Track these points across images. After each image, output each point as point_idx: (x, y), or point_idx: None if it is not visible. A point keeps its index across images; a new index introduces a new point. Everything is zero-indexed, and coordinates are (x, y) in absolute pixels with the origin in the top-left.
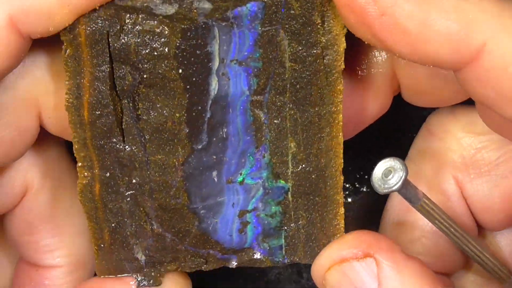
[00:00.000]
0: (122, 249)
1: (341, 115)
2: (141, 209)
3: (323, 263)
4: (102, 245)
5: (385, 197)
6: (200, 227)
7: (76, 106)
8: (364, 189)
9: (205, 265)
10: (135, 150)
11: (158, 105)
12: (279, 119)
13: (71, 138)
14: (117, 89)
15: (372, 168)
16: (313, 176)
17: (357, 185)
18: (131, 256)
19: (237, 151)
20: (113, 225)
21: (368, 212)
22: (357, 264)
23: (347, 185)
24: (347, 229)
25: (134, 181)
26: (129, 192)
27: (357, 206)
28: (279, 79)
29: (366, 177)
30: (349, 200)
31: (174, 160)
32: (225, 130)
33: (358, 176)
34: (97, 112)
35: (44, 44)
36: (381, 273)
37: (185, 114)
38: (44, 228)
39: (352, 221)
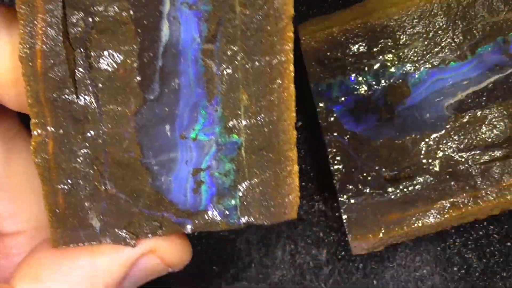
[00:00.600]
0: (77, 214)
1: (292, 65)
2: (95, 168)
3: None
4: (56, 211)
5: None
6: (154, 185)
7: (29, 56)
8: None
9: (160, 230)
10: (88, 102)
11: (110, 52)
12: (231, 69)
13: (22, 77)
14: (70, 37)
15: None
16: (265, 130)
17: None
18: (86, 223)
19: (189, 104)
20: (67, 187)
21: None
22: None
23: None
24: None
25: (87, 135)
26: (82, 151)
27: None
28: (230, 25)
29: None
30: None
31: (127, 111)
32: (177, 81)
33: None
34: (50, 62)
35: (1, 20)
36: None
37: (137, 61)
38: (0, 195)
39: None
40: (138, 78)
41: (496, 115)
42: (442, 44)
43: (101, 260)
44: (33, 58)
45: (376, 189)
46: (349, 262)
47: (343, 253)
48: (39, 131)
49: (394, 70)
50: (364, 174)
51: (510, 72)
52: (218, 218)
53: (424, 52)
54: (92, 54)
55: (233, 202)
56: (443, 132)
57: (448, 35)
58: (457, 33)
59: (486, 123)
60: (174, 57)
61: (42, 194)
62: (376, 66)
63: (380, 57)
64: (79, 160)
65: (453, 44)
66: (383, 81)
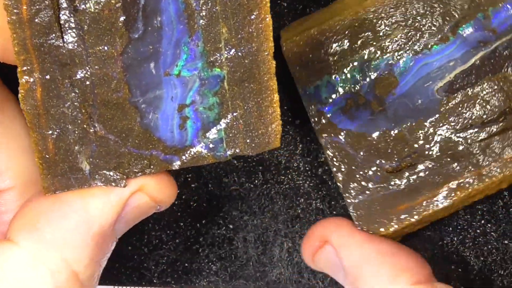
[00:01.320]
0: (67, 158)
1: None
2: (84, 111)
3: (307, 257)
4: (46, 156)
5: None
6: (142, 123)
7: (14, 3)
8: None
9: (149, 169)
10: (74, 45)
11: None
12: (210, 4)
13: (14, 60)
14: None
15: None
16: (246, 61)
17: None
18: (76, 167)
19: (171, 41)
20: (56, 132)
21: None
22: (322, 252)
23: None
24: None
25: (75, 77)
26: (71, 95)
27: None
28: None
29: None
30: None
31: (113, 51)
32: (159, 18)
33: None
34: (35, 7)
35: None
36: (338, 252)
37: (120, 1)
38: None
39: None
40: (123, 17)
41: (487, 90)
42: (422, 30)
43: (93, 203)
44: (18, 5)
45: (380, 183)
46: None
47: None
48: (26, 78)
49: (378, 62)
50: (366, 170)
51: (495, 46)
52: (205, 151)
53: (406, 40)
54: None
55: (218, 135)
56: (437, 115)
57: (427, 19)
58: (435, 17)
59: (478, 100)
60: None
61: (31, 142)
62: (360, 61)
63: (363, 51)
64: (67, 105)
65: (433, 28)
66: (369, 74)
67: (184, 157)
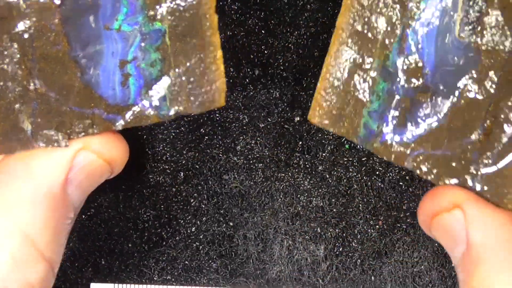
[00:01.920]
0: (8, 118)
1: None
2: (23, 66)
3: (424, 218)
4: None
5: None
6: (83, 79)
7: None
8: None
9: (91, 129)
10: None
11: None
12: None
13: None
14: None
15: None
16: (187, 15)
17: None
18: (17, 126)
19: None
20: None
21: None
22: (447, 216)
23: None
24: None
25: (14, 31)
26: (10, 50)
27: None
28: None
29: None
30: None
31: (50, 2)
32: None
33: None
34: None
35: None
36: (468, 222)
37: None
38: None
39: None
40: None
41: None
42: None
43: (36, 164)
44: None
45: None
46: (347, 258)
47: (340, 249)
48: None
49: (390, 60)
50: (466, 155)
51: None
52: (148, 110)
53: (392, 26)
54: None
55: (161, 92)
56: (479, 56)
57: None
58: None
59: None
60: None
61: None
62: (378, 72)
63: (374, 66)
64: (6, 61)
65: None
66: (392, 76)
67: (127, 116)
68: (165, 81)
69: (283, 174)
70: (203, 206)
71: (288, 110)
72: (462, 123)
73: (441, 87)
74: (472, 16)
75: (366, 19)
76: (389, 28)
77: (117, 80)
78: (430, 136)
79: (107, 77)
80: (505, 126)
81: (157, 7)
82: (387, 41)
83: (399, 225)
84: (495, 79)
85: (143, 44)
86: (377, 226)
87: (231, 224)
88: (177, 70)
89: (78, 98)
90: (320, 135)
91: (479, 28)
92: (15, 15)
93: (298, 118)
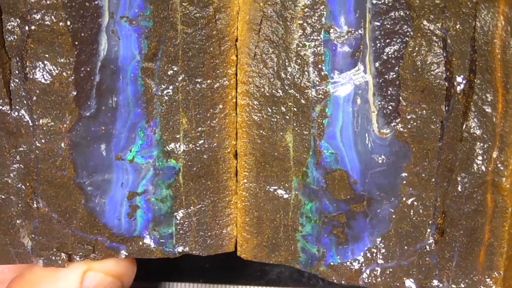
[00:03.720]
0: (8, 231)
1: (234, 91)
2: (28, 184)
3: None
4: None
5: None
6: (87, 206)
7: None
8: None
9: (93, 254)
10: (21, 114)
11: (46, 63)
12: (171, 90)
13: None
14: (5, 45)
15: None
16: (205, 157)
17: None
18: (17, 241)
19: (126, 124)
20: None
21: None
22: None
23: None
24: None
25: (20, 149)
26: (15, 165)
27: None
28: (171, 44)
29: None
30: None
31: (61, 126)
32: (115, 99)
33: None
34: None
35: None
36: None
37: (73, 75)
38: None
39: None
40: (74, 92)
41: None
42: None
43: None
44: None
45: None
46: None
47: None
48: None
49: (309, 178)
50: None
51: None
52: (153, 245)
53: (311, 131)
54: (28, 64)
55: (169, 229)
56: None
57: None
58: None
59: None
60: (112, 73)
61: None
62: (300, 203)
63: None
64: (11, 175)
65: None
66: (313, 196)
67: (131, 248)
68: (174, 219)
69: None
70: None
71: None
72: (411, 226)
73: (376, 192)
74: (388, 111)
75: (270, 140)
76: (298, 144)
77: (124, 211)
78: (379, 248)
79: (114, 207)
80: (456, 221)
81: (174, 144)
82: (300, 158)
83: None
84: (434, 169)
85: (155, 179)
86: None
87: None
88: (188, 209)
89: (82, 223)
90: None
91: (399, 119)
92: (23, 133)
93: None
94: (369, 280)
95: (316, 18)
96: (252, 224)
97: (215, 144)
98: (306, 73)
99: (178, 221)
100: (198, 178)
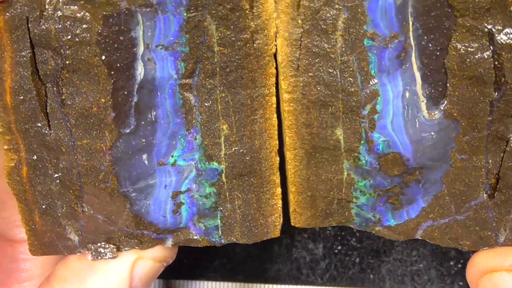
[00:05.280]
0: (54, 229)
1: (274, 98)
2: (71, 191)
3: (477, 270)
4: (33, 227)
5: None
6: (132, 210)
7: None
8: None
9: (140, 245)
10: (61, 135)
11: (82, 90)
12: (210, 101)
13: None
14: (40, 73)
15: None
16: (247, 158)
17: None
18: (64, 237)
19: (167, 134)
20: (43, 207)
21: None
22: (507, 276)
23: None
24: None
25: (61, 165)
26: (57, 175)
27: None
28: (208, 62)
29: None
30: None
31: (102, 145)
32: (154, 113)
33: None
34: (20, 97)
35: None
36: None
37: (111, 99)
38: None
39: None
40: (113, 114)
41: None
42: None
43: (99, 285)
44: (2, 93)
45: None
46: (346, 257)
47: (339, 247)
48: (12, 156)
49: (362, 160)
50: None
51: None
52: (199, 235)
53: (361, 124)
54: (64, 91)
55: (214, 222)
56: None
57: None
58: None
59: None
60: (149, 92)
61: (19, 210)
62: (352, 172)
63: (346, 170)
64: (55, 183)
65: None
66: (367, 176)
67: (177, 238)
68: (219, 213)
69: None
70: None
71: None
72: (464, 186)
73: (428, 163)
74: (437, 96)
75: (320, 135)
76: (349, 136)
77: (169, 209)
78: (433, 206)
79: (158, 207)
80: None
81: (216, 149)
82: (352, 146)
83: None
84: (484, 138)
85: (198, 179)
86: None
87: None
88: (232, 204)
89: (128, 222)
90: None
91: (447, 101)
92: (64, 151)
93: None
94: (426, 234)
95: (357, 27)
96: (306, 202)
97: (257, 146)
98: (353, 78)
99: (223, 215)
100: (241, 176)
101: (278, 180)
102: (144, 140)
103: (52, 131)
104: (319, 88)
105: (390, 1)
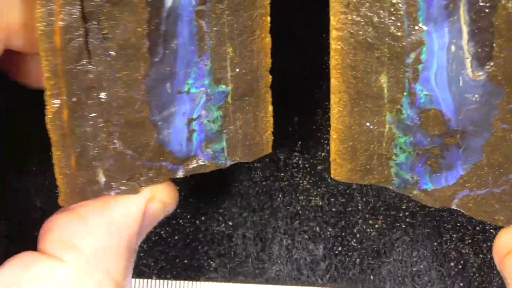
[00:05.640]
0: (86, 173)
1: (268, 17)
2: (105, 129)
3: (502, 248)
4: (67, 172)
5: None
6: (158, 139)
7: (47, 33)
8: None
9: (157, 178)
10: (101, 70)
11: (122, 22)
12: (218, 26)
13: (40, 53)
14: (84, 11)
15: None
16: (248, 77)
17: None
18: (93, 179)
19: (184, 62)
20: (78, 150)
21: None
22: None
23: None
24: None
25: (102, 100)
26: (93, 115)
27: None
28: None
29: None
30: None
31: (137, 75)
32: (175, 42)
33: None
34: (68, 36)
35: None
36: None
37: (146, 28)
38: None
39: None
40: (147, 44)
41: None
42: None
43: (117, 213)
44: (51, 34)
45: None
46: (346, 257)
47: (340, 248)
48: (54, 101)
49: (404, 114)
50: None
51: None
52: (207, 161)
53: (406, 74)
54: (106, 25)
55: (220, 145)
56: (495, 89)
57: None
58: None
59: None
60: (174, 20)
61: (54, 159)
62: (392, 129)
63: (382, 126)
64: (90, 123)
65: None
66: (409, 129)
67: (187, 167)
68: (224, 135)
69: (282, 174)
70: (202, 205)
71: (286, 110)
72: (503, 158)
73: (470, 127)
74: (483, 57)
75: (364, 80)
76: (393, 85)
77: (184, 137)
78: (471, 176)
79: (177, 135)
80: None
81: (223, 71)
82: (395, 97)
83: (398, 224)
84: None
85: (207, 104)
86: (376, 226)
87: (230, 223)
88: (235, 125)
89: (151, 154)
90: (319, 134)
91: (492, 63)
92: (105, 86)
93: (297, 118)
94: (462, 204)
95: None
96: (346, 152)
97: (255, 65)
98: (400, 22)
99: (228, 136)
100: (243, 96)
101: (270, 98)
102: (168, 69)
103: (94, 67)
104: (367, 29)
105: None
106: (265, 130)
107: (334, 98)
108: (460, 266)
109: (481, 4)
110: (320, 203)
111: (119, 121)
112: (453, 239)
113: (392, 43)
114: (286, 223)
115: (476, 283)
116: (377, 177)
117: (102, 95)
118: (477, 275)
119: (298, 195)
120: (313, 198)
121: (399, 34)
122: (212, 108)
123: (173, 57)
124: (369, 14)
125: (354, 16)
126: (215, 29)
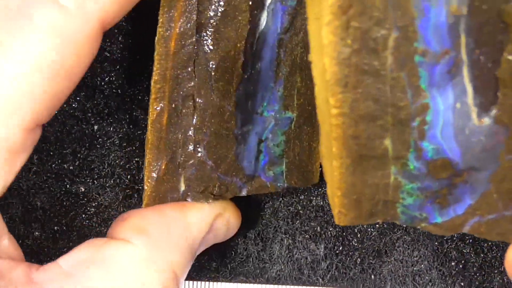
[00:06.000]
0: (172, 179)
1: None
2: (194, 137)
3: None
4: (156, 176)
5: None
6: (236, 153)
7: (166, 38)
8: None
9: (226, 193)
10: (202, 78)
11: (225, 36)
12: (292, 56)
13: (155, 56)
14: (197, 21)
15: None
16: (309, 108)
17: None
18: (175, 186)
19: (263, 84)
20: (169, 155)
21: None
22: None
23: None
24: None
25: (198, 107)
26: (185, 123)
27: None
28: (300, 19)
29: None
30: None
31: (230, 87)
32: (260, 64)
33: None
34: (182, 42)
35: None
36: None
37: (244, 45)
38: None
39: None
40: (242, 59)
41: None
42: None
43: (191, 216)
44: (168, 40)
45: None
46: (347, 257)
47: (340, 248)
48: (157, 105)
49: (413, 164)
50: None
51: None
52: (268, 182)
53: (412, 135)
54: (212, 36)
55: (280, 168)
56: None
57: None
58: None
59: None
60: (262, 42)
61: (145, 160)
62: (400, 177)
63: (390, 168)
64: (182, 130)
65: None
66: (419, 178)
67: (251, 186)
68: (285, 160)
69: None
70: None
71: None
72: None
73: (476, 164)
74: (487, 104)
75: (367, 145)
76: (398, 146)
77: (254, 155)
78: (480, 203)
79: (249, 153)
80: None
81: (291, 99)
82: (399, 154)
83: (399, 224)
84: None
85: (275, 128)
86: (377, 225)
87: None
88: (294, 151)
89: (227, 167)
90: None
91: (497, 107)
92: (203, 94)
93: None
94: (473, 230)
95: (408, 45)
96: (351, 204)
97: (312, 97)
98: (403, 93)
99: (288, 161)
100: (303, 125)
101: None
102: (252, 88)
103: (196, 75)
104: (367, 104)
105: (442, 19)
106: (316, 160)
107: (335, 163)
108: (461, 266)
109: (483, 61)
110: (321, 202)
111: (209, 129)
112: (454, 238)
113: (395, 112)
114: (287, 222)
115: (477, 283)
116: (383, 217)
117: (199, 101)
118: (478, 274)
119: (299, 194)
120: (314, 198)
121: (402, 104)
122: (278, 133)
123: (256, 78)
124: (368, 90)
125: (353, 94)
126: (289, 58)
